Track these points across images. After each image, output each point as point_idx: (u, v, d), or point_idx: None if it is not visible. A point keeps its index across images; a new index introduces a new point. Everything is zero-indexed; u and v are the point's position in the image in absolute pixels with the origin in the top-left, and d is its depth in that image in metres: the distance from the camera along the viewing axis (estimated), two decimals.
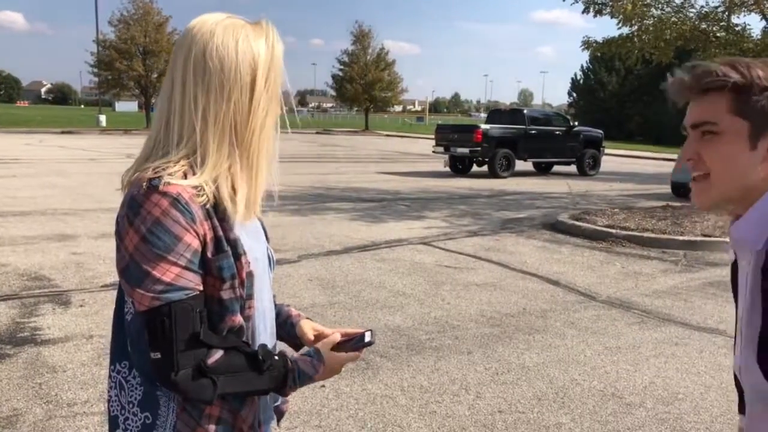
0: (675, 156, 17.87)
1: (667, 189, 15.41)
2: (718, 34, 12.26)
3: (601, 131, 21.87)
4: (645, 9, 12.27)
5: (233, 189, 1.27)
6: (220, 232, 1.22)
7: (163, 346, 1.16)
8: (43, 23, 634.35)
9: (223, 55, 1.21)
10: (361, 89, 49.26)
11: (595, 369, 4.34)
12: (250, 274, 1.26)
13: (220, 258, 1.21)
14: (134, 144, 27.19)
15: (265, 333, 1.38)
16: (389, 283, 6.34)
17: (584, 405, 3.80)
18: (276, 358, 1.31)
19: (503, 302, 5.82)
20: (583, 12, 12.54)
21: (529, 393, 3.94)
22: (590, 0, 12.48)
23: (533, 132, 19.36)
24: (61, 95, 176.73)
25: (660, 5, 12.48)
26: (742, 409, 1.41)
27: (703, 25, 12.40)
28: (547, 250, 8.26)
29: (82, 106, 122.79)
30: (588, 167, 20.30)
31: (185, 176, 1.19)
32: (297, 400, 3.73)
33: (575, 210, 11.36)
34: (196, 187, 1.20)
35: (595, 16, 12.42)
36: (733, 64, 1.15)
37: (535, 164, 20.58)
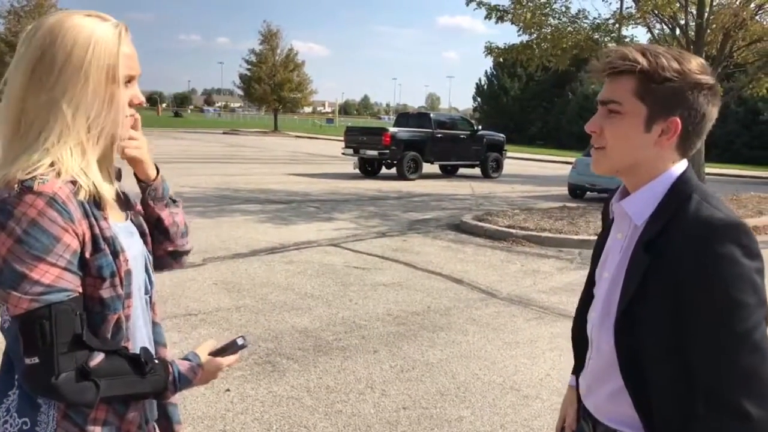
0: (572, 159, 18.82)
1: (564, 191, 16.18)
2: (609, 45, 13.02)
3: (503, 135, 22.65)
4: (543, 18, 12.88)
5: (107, 181, 1.30)
6: (97, 231, 1.21)
7: (43, 349, 1.13)
8: None
9: (68, 47, 1.21)
10: (270, 90, 48.70)
11: (495, 363, 4.51)
12: (128, 273, 1.26)
13: (99, 257, 1.20)
14: None
15: (142, 331, 1.37)
16: (297, 285, 6.33)
17: (484, 398, 3.95)
18: (157, 361, 1.31)
19: (409, 301, 5.94)
20: (485, 18, 13.00)
21: (433, 389, 4.05)
22: (492, 7, 12.96)
23: (439, 135, 19.81)
24: None
25: (557, 15, 13.12)
26: (577, 370, 1.57)
27: (596, 36, 13.14)
28: (451, 249, 8.49)
29: None
30: (491, 170, 20.98)
31: (58, 174, 1.17)
32: (201, 405, 3.67)
33: (478, 211, 11.73)
34: (72, 184, 1.18)
35: (497, 22, 12.91)
36: (643, 51, 1.27)
37: (441, 167, 21.07)
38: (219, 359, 1.45)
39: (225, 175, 16.86)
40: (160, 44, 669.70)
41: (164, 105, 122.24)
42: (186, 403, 3.68)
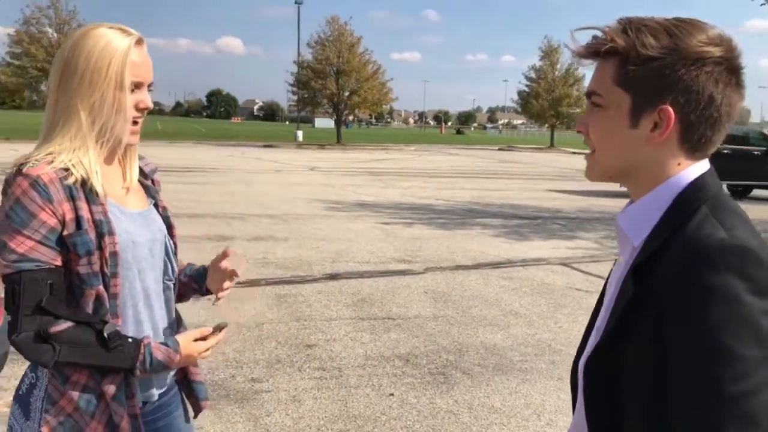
0: None
1: None
2: None
3: None
4: None
5: (116, 174, 1.48)
6: (83, 213, 1.36)
7: (12, 309, 1.33)
8: (257, 47, 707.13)
9: (87, 57, 1.38)
10: (547, 105, 48.12)
11: None
12: (114, 254, 1.38)
13: (74, 236, 1.35)
14: (323, 158, 29.03)
15: (140, 312, 1.47)
16: (505, 301, 6.15)
17: None
18: (129, 340, 1.40)
19: None
20: None
21: None
22: None
23: (726, 152, 17.51)
24: (270, 112, 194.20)
25: None
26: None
27: None
28: None
29: (287, 123, 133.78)
30: None
31: (53, 161, 1.35)
32: (360, 404, 3.79)
33: None
34: (63, 170, 1.35)
35: None
36: (625, 26, 1.01)
37: (728, 187, 18.60)
38: (199, 343, 1.51)
39: (482, 190, 17.09)
40: (448, 65, 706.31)
41: (448, 124, 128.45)
42: (348, 400, 3.84)
